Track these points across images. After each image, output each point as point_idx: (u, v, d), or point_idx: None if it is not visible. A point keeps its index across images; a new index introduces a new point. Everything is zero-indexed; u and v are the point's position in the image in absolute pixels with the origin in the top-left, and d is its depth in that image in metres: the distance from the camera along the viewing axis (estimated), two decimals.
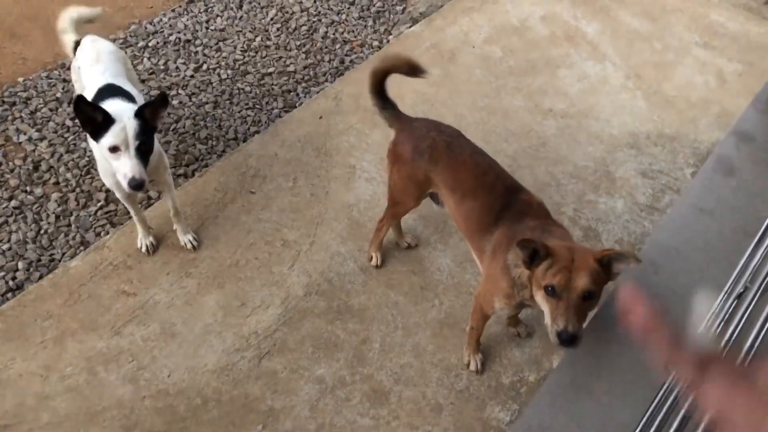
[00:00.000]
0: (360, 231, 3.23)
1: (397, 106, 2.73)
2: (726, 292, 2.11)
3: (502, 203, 2.37)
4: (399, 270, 3.11)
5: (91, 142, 2.56)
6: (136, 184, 2.40)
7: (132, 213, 2.96)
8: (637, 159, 3.71)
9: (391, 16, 4.62)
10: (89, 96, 2.68)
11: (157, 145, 2.65)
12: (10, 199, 3.33)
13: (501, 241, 2.30)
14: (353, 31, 4.48)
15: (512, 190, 2.44)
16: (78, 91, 3.10)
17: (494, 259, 2.32)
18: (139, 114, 2.43)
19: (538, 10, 4.68)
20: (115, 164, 2.43)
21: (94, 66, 2.90)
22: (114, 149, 2.39)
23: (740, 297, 1.85)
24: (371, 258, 3.10)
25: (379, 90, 2.68)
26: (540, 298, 2.03)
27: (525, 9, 4.68)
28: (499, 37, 4.43)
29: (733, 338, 1.73)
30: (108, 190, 3.33)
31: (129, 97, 2.71)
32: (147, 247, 3.06)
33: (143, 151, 2.44)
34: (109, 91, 2.72)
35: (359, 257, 3.13)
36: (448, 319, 2.92)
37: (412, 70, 2.67)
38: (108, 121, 2.37)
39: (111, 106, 2.45)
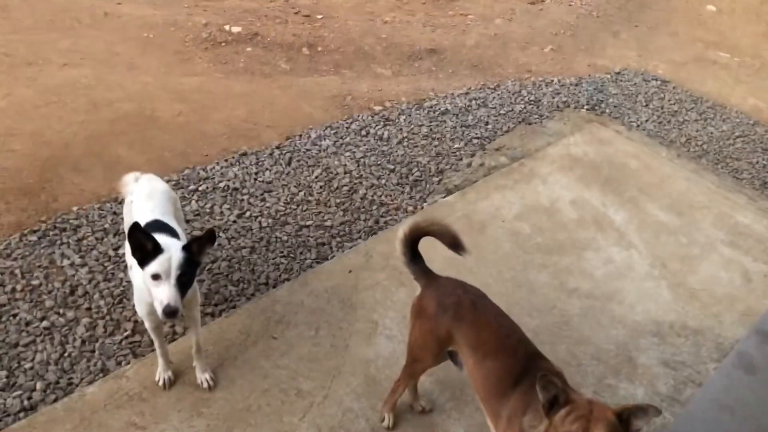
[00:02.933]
0: (376, 388, 3.22)
1: (424, 262, 2.83)
2: None
3: (522, 368, 2.38)
4: None
5: (134, 270, 2.70)
6: (171, 311, 2.49)
7: (156, 345, 3.03)
8: (660, 348, 3.70)
9: (428, 185, 4.89)
10: None
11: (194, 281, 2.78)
12: (42, 319, 3.43)
13: (517, 407, 2.29)
14: (390, 195, 4.73)
15: (533, 356, 2.46)
16: (126, 224, 3.30)
17: (510, 425, 2.30)
18: (186, 248, 2.58)
19: (568, 194, 4.91)
20: (154, 291, 2.54)
21: (146, 202, 3.12)
22: (156, 277, 2.52)
23: None
24: (383, 418, 3.06)
25: (411, 245, 2.80)
26: None
27: (556, 192, 4.91)
28: (529, 215, 4.63)
29: None
30: (136, 321, 3.42)
31: (173, 234, 2.89)
32: (165, 381, 3.09)
33: (183, 283, 2.56)
34: (156, 226, 2.90)
35: (371, 416, 3.10)
36: None
37: (454, 243, 2.81)
38: (157, 250, 2.52)
39: (159, 239, 2.60)
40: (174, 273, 2.53)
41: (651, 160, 5.48)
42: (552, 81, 6.63)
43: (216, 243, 3.74)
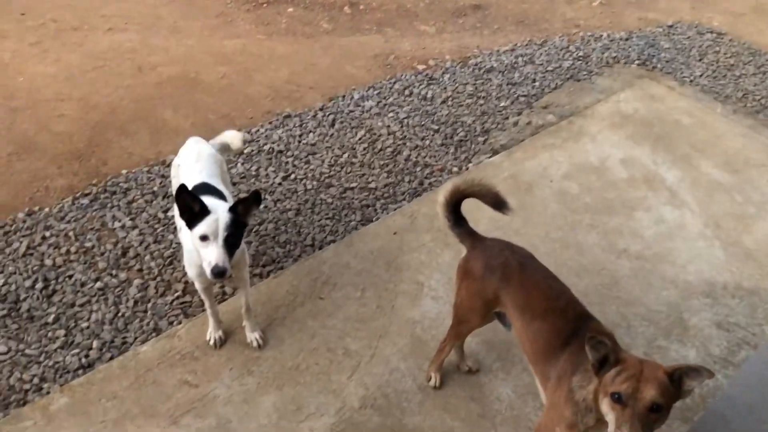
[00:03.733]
0: (422, 349, 3.23)
1: (468, 224, 2.79)
2: None
3: (572, 329, 2.35)
4: (457, 394, 3.06)
5: (184, 232, 2.74)
6: (219, 272, 2.53)
7: (207, 305, 3.08)
8: (713, 309, 3.61)
9: (473, 145, 4.81)
10: None
11: (241, 242, 2.80)
12: (96, 280, 3.53)
13: (566, 368, 2.27)
14: (435, 156, 4.67)
15: (583, 317, 2.42)
16: (174, 187, 3.35)
17: (559, 386, 2.28)
18: (233, 209, 2.60)
19: (618, 152, 4.77)
20: (202, 252, 2.58)
21: (193, 165, 3.15)
22: (204, 238, 2.55)
23: None
24: (430, 378, 3.08)
25: (453, 208, 2.76)
26: (606, 405, 1.99)
27: (605, 150, 4.79)
28: (578, 174, 4.52)
29: None
30: (187, 282, 3.49)
31: (221, 196, 2.91)
32: (215, 340, 3.15)
33: (230, 243, 2.58)
34: (204, 188, 2.93)
35: (418, 376, 3.12)
36: None
37: (497, 202, 2.75)
38: (204, 211, 2.55)
39: (206, 200, 2.62)
40: (221, 234, 2.55)
41: (705, 117, 5.28)
42: (601, 36, 6.41)
43: (262, 204, 3.77)
